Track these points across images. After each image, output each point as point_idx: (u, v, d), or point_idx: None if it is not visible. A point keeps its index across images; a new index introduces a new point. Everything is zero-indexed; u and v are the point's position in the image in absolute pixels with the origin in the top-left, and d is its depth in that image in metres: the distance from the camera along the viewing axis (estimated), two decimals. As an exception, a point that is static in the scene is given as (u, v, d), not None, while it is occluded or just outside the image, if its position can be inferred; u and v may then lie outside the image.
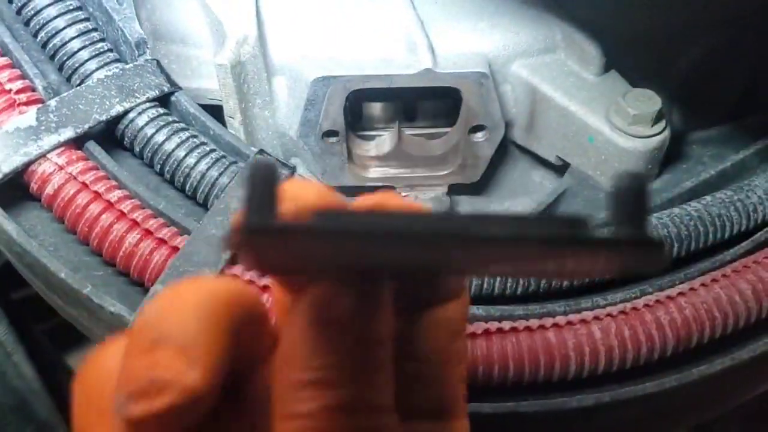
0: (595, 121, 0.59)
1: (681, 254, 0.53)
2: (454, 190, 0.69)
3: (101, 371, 0.27)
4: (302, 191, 0.29)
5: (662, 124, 0.58)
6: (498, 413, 0.44)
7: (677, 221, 0.53)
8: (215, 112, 0.62)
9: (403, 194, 0.67)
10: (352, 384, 0.26)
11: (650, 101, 0.57)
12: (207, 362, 0.25)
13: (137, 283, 0.46)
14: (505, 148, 0.68)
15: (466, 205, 0.70)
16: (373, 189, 0.67)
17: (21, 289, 1.42)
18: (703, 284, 0.49)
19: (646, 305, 0.48)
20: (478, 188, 0.70)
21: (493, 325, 0.47)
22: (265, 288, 0.45)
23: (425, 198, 0.66)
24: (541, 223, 0.23)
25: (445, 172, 0.66)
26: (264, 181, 0.21)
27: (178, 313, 0.25)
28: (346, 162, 0.64)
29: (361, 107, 0.65)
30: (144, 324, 0.25)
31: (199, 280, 0.27)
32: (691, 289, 0.49)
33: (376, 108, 0.66)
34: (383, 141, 0.66)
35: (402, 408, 0.28)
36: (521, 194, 0.71)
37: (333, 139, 0.62)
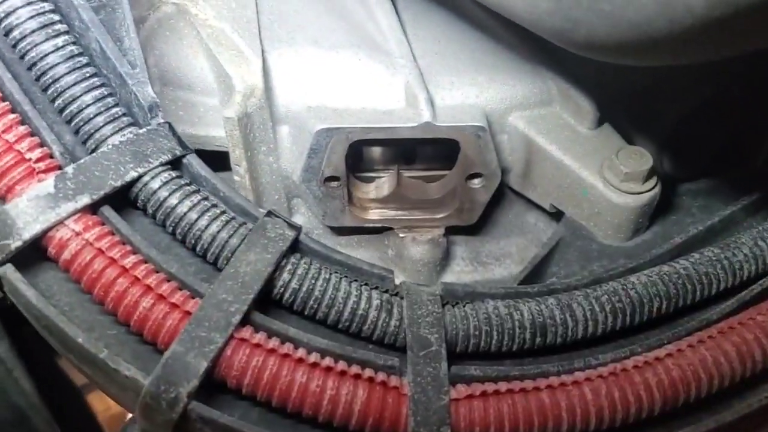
0: (589, 176, 0.61)
1: (669, 311, 0.55)
2: (451, 230, 0.71)
3: None
4: None
5: (653, 181, 0.60)
6: (493, 474, 0.46)
7: (666, 279, 0.55)
8: (222, 157, 0.63)
9: (401, 235, 0.69)
10: None
11: (642, 159, 0.60)
12: None
13: (150, 342, 0.48)
14: (501, 191, 0.70)
15: (462, 244, 0.72)
16: (372, 229, 0.70)
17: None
18: (689, 345, 0.52)
19: (635, 366, 0.51)
20: (474, 229, 0.72)
21: (490, 387, 0.49)
22: (271, 351, 0.47)
23: (422, 239, 0.69)
24: None
25: (442, 215, 0.68)
26: None
27: None
28: (346, 204, 0.66)
29: (361, 150, 0.67)
30: None
31: None
32: (679, 350, 0.52)
33: (376, 152, 0.68)
34: (382, 184, 0.68)
35: None
36: (516, 234, 0.73)
37: (334, 184, 0.64)
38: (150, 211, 0.50)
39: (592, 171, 0.61)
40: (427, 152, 0.69)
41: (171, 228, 0.50)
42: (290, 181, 0.66)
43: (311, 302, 0.50)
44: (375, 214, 0.69)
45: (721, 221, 0.61)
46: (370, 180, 0.69)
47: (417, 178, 0.69)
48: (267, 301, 0.51)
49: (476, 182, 0.65)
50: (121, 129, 0.50)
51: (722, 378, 0.51)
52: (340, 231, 0.70)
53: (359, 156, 0.68)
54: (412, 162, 0.69)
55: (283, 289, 0.50)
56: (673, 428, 0.50)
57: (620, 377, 0.50)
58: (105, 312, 0.48)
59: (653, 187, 0.60)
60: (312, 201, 0.65)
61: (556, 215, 0.68)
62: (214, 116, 0.63)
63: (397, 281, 0.54)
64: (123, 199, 0.51)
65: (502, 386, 0.49)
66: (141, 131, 0.50)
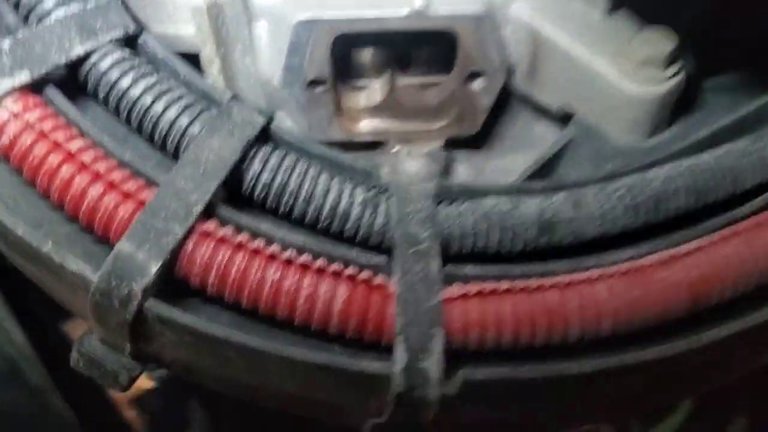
0: (602, 64, 0.54)
1: (694, 208, 0.49)
2: (452, 144, 0.65)
3: None
4: None
5: (676, 66, 0.53)
6: (491, 380, 0.41)
7: (688, 173, 0.49)
8: (192, 63, 0.58)
9: (396, 149, 0.63)
10: None
11: (663, 41, 0.53)
12: None
13: (103, 241, 0.42)
14: (505, 100, 0.64)
15: (464, 161, 0.66)
16: (363, 144, 0.64)
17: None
18: (717, 241, 0.46)
19: (657, 263, 0.45)
20: (476, 142, 0.66)
21: (488, 286, 0.43)
22: (239, 246, 0.41)
23: (419, 153, 0.63)
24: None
25: (441, 125, 0.62)
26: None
27: None
28: (334, 114, 0.60)
29: (350, 54, 0.61)
30: None
31: None
32: (705, 245, 0.45)
33: (366, 55, 0.62)
34: (374, 91, 0.62)
35: None
36: (522, 149, 0.66)
37: (319, 89, 0.58)
38: (101, 95, 0.45)
39: (606, 59, 0.54)
40: (423, 56, 0.63)
41: (125, 114, 0.45)
42: (271, 88, 0.60)
43: (286, 197, 0.44)
44: (366, 126, 0.63)
45: (751, 113, 0.54)
46: (361, 88, 0.63)
47: (412, 85, 0.63)
48: (236, 199, 0.45)
49: (478, 83, 0.59)
50: (65, 3, 0.44)
51: (759, 275, 0.45)
52: (328, 147, 0.64)
53: (348, 60, 0.62)
54: (407, 68, 0.63)
55: (253, 182, 0.44)
56: (700, 332, 0.44)
57: (640, 274, 0.44)
58: (54, 208, 0.43)
59: (676, 74, 0.53)
60: (295, 110, 0.59)
61: (566, 124, 0.62)
62: (184, 14, 0.57)
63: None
64: (72, 86, 0.45)
65: (503, 285, 0.43)
66: (89, 5, 0.44)
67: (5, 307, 1.07)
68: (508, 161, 0.67)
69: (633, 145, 0.57)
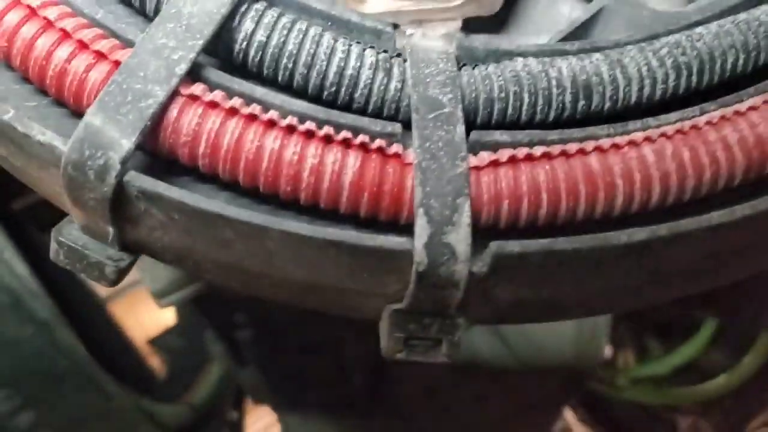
0: None
1: (747, 68, 0.43)
2: (470, 26, 0.59)
3: None
4: None
5: None
6: (527, 253, 0.35)
7: (744, 28, 0.43)
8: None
9: (409, 32, 0.57)
10: None
11: None
12: None
13: (76, 114, 0.37)
14: (527, -27, 0.58)
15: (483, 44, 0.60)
16: (371, 27, 0.58)
17: (20, 198, 1.36)
18: (780, 96, 0.40)
19: (710, 123, 0.39)
20: (496, 24, 0.59)
21: (521, 152, 0.38)
22: (232, 111, 0.36)
23: (435, 35, 0.56)
24: None
25: (458, 3, 0.56)
26: None
27: None
28: (338, -9, 0.54)
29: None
30: None
31: None
32: (765, 102, 0.40)
33: (372, -76, 0.55)
34: (382, -35, 0.56)
35: None
36: (546, 29, 0.60)
37: (322, -40, 0.52)
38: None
39: None
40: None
41: (96, -31, 0.39)
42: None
43: (284, 61, 0.39)
44: (375, 4, 0.56)
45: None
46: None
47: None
48: (229, 67, 0.39)
49: (497, -48, 0.53)
50: None
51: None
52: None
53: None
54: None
55: (246, 44, 0.38)
56: (760, 196, 0.38)
57: (690, 135, 0.38)
58: (22, 79, 0.38)
59: None
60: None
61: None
62: None
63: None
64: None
65: (537, 150, 0.38)
66: None
67: (5, 238, 1.03)
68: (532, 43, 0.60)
69: (674, 10, 0.50)
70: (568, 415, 1.86)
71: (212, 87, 0.37)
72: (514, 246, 0.35)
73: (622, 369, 1.79)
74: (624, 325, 1.77)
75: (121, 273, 0.39)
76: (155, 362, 1.59)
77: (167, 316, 1.57)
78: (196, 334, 1.51)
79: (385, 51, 0.41)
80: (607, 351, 1.67)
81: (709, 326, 1.64)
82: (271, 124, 0.36)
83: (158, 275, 1.00)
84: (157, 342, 1.63)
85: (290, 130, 0.36)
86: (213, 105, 0.36)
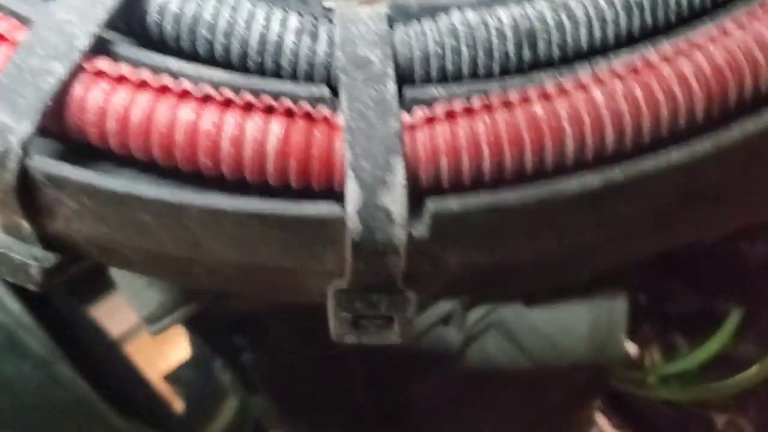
0: None
1: (708, 2, 0.40)
2: None
3: None
4: None
5: None
6: (470, 211, 0.32)
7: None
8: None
9: None
10: None
11: None
12: None
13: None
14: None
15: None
16: None
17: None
18: (739, 25, 0.37)
19: (664, 58, 0.36)
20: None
21: (459, 105, 0.35)
22: (142, 85, 0.34)
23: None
24: None
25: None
26: None
27: None
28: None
29: None
30: None
31: None
32: (723, 32, 0.37)
33: None
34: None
35: None
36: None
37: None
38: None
39: None
40: None
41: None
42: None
43: (202, 31, 0.36)
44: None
45: None
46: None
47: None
48: (149, 45, 0.37)
49: None
50: None
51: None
52: None
53: None
54: None
55: (159, 16, 0.36)
56: (725, 127, 0.35)
57: (643, 73, 0.35)
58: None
59: None
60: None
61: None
62: None
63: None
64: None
65: (476, 102, 0.35)
66: None
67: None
68: None
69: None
70: (603, 422, 1.81)
71: (121, 61, 0.34)
72: (452, 203, 0.32)
73: (650, 368, 1.74)
74: (648, 323, 1.72)
75: (49, 274, 0.36)
76: (176, 399, 1.56)
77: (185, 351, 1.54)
78: (211, 365, 1.48)
79: (311, 15, 0.39)
80: (633, 350, 1.62)
81: (734, 317, 1.59)
82: (184, 94, 0.33)
83: (146, 300, 0.98)
84: (172, 377, 1.60)
85: (206, 99, 0.34)
86: (121, 79, 0.33)
